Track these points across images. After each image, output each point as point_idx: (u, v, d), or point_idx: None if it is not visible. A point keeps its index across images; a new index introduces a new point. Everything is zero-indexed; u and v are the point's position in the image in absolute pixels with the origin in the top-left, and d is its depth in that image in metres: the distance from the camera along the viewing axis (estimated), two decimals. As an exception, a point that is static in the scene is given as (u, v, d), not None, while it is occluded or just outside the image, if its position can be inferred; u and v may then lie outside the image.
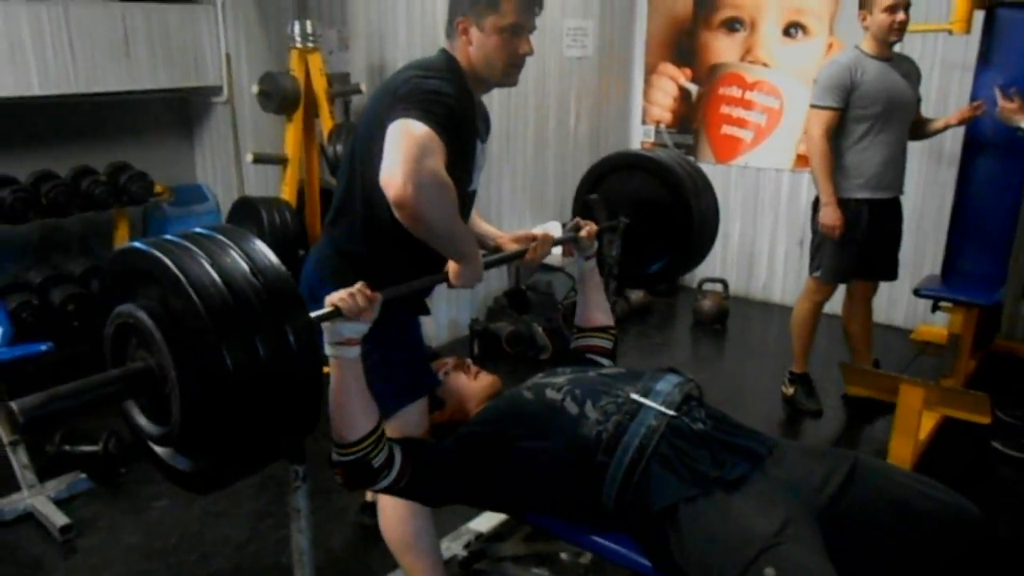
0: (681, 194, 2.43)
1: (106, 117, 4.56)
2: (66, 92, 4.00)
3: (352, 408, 1.55)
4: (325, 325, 1.51)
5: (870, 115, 3.21)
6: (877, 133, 3.24)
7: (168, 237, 1.34)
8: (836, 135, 3.26)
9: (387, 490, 1.66)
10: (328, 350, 1.52)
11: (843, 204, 3.28)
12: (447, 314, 4.42)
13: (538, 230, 4.78)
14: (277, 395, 1.29)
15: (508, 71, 1.92)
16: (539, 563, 2.16)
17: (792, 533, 1.44)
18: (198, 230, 1.39)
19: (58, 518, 2.63)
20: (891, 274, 3.56)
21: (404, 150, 1.60)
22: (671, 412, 1.64)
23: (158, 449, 1.43)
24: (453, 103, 1.73)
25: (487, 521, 2.39)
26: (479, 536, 2.34)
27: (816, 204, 3.41)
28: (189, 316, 1.23)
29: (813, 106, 3.28)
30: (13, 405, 1.15)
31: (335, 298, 1.49)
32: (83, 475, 2.90)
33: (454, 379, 2.04)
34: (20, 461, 2.80)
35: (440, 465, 1.72)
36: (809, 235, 3.53)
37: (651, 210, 2.46)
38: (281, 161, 3.81)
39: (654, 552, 1.62)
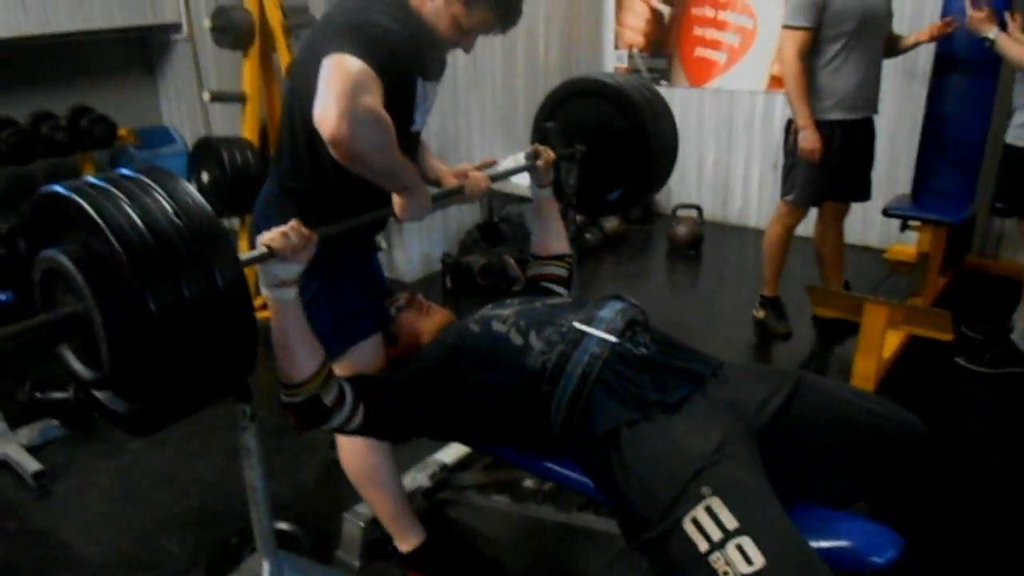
0: (637, 120, 2.39)
1: (63, 59, 4.46)
2: (17, 34, 3.90)
3: (295, 349, 1.55)
4: (260, 268, 1.49)
5: (843, 33, 3.13)
6: (850, 52, 3.17)
7: (89, 179, 1.32)
8: (809, 55, 3.19)
9: (342, 429, 1.66)
10: (264, 292, 1.51)
11: (817, 126, 3.22)
12: (419, 248, 4.40)
13: (508, 161, 4.73)
14: (206, 337, 1.28)
15: (439, 47, 1.88)
16: (500, 491, 2.19)
17: (729, 452, 1.45)
18: (122, 171, 1.36)
19: (31, 464, 2.66)
20: (864, 195, 3.54)
21: (338, 86, 1.54)
22: (613, 339, 1.64)
23: (97, 393, 1.44)
24: (392, 39, 1.67)
25: (452, 452, 2.43)
26: (443, 467, 2.38)
27: (789, 126, 3.37)
28: (109, 259, 1.22)
29: (785, 26, 3.20)
30: None
31: (266, 238, 1.47)
32: (55, 421, 2.92)
33: (406, 316, 2.03)
34: (-10, 410, 2.82)
35: (393, 400, 1.73)
36: (782, 158, 3.49)
37: (609, 137, 2.43)
38: (240, 99, 3.73)
39: (599, 478, 1.63)
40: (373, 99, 1.57)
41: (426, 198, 1.82)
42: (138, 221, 1.23)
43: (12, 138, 3.88)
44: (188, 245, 1.26)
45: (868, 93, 3.29)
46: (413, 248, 4.35)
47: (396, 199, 1.79)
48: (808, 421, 1.59)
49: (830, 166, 3.28)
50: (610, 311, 1.72)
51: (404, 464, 2.29)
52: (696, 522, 1.38)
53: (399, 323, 2.02)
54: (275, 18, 3.55)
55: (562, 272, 2.17)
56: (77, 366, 1.40)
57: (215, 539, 2.34)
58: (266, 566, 1.80)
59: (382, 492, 2.09)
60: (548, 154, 2.16)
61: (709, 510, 1.37)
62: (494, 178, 2.08)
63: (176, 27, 4.53)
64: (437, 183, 2.09)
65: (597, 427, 1.58)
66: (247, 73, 3.70)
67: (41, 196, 1.35)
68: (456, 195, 2.00)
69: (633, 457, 1.52)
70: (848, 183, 3.43)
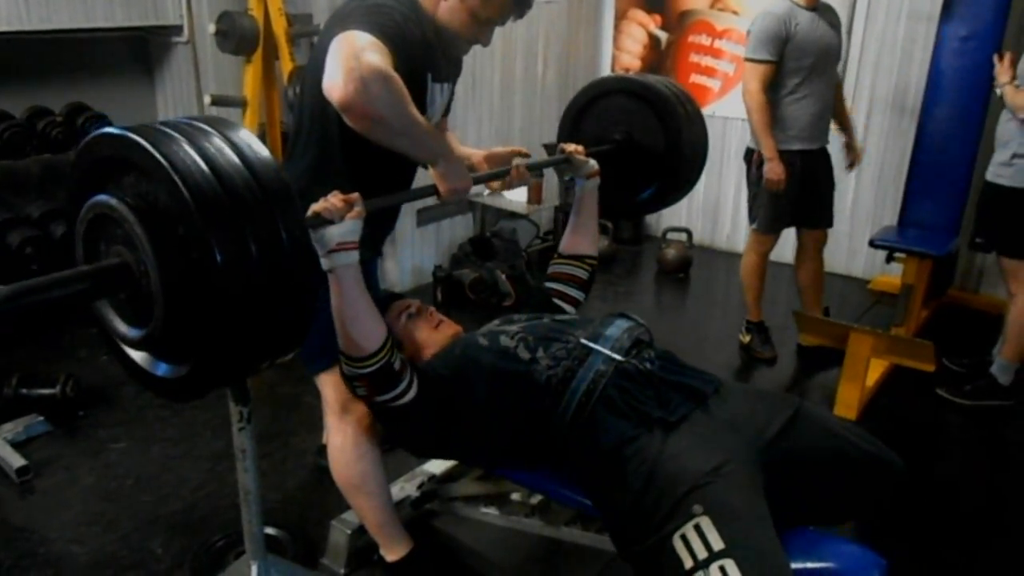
0: (670, 118, 2.31)
1: (62, 56, 4.44)
2: (18, 29, 3.89)
3: (365, 317, 1.57)
4: (315, 236, 1.45)
5: (803, 67, 3.23)
6: (809, 85, 3.26)
7: (148, 124, 1.20)
8: (770, 88, 3.27)
9: (397, 399, 1.64)
10: (324, 263, 1.49)
11: (780, 156, 3.29)
12: (411, 260, 4.42)
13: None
14: (268, 297, 1.17)
15: (457, 45, 1.89)
16: (488, 503, 2.20)
17: (727, 472, 1.47)
18: (179, 118, 1.24)
19: (15, 460, 2.64)
20: (825, 221, 3.60)
21: (343, 53, 1.51)
22: (619, 356, 1.66)
23: (134, 354, 1.33)
24: (399, 20, 1.68)
25: (441, 463, 2.43)
26: (432, 477, 2.39)
27: (750, 156, 3.45)
28: (174, 207, 1.11)
29: (748, 59, 3.28)
30: None
31: (315, 207, 1.46)
32: (40, 418, 2.90)
33: (415, 324, 1.96)
34: (-24, 404, 2.80)
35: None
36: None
37: (640, 135, 2.37)
38: (241, 103, 3.75)
39: (597, 491, 1.65)
40: (380, 58, 1.54)
41: (463, 169, 1.77)
42: (205, 168, 1.12)
43: (7, 133, 3.87)
44: (256, 197, 1.15)
45: (823, 125, 3.40)
46: (405, 259, 4.37)
47: (434, 174, 1.73)
48: (804, 450, 1.62)
49: (791, 194, 3.37)
50: (616, 329, 1.74)
51: (392, 473, 2.30)
52: (684, 539, 1.40)
53: (406, 330, 1.96)
54: (280, 25, 3.57)
55: (582, 275, 2.13)
56: (117, 323, 1.29)
57: (200, 541, 2.33)
58: (254, 569, 1.81)
59: (370, 500, 2.09)
60: (578, 147, 2.10)
61: (698, 528, 1.40)
62: (531, 168, 2.01)
63: (177, 29, 4.52)
64: (471, 168, 2.03)
65: (599, 442, 1.60)
66: (249, 78, 3.72)
67: (96, 138, 1.23)
68: (498, 179, 1.95)
69: (631, 471, 1.54)
70: (809, 210, 3.51)
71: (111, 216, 1.18)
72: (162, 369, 1.30)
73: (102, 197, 1.19)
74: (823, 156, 3.46)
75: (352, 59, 1.50)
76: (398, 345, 1.92)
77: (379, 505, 2.10)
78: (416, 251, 4.44)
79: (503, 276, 4.15)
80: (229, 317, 1.15)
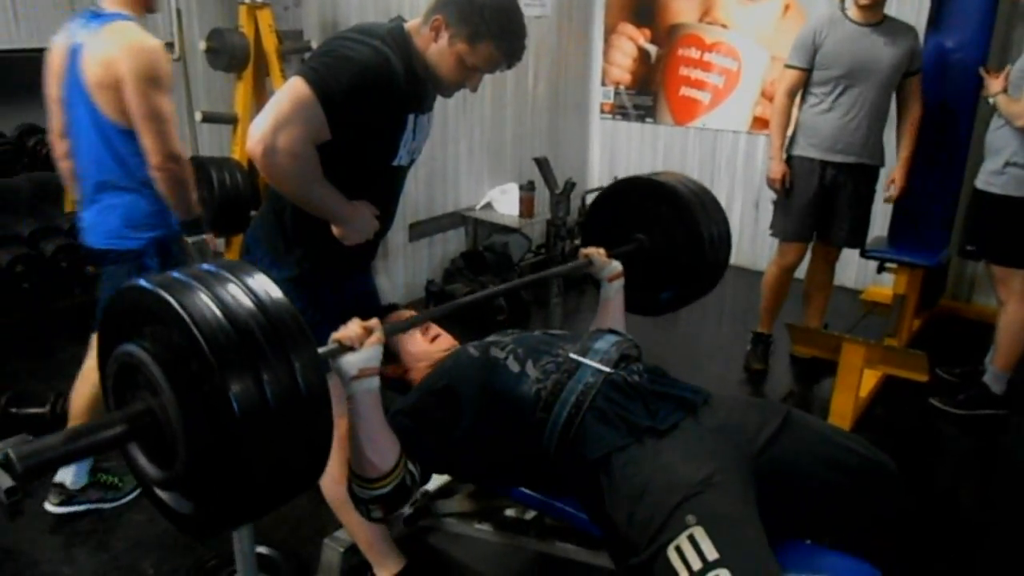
0: (688, 213, 2.27)
1: (52, 74, 4.44)
2: (8, 47, 3.89)
3: (381, 440, 1.54)
4: (335, 365, 1.46)
5: (831, 77, 3.26)
6: (838, 96, 3.28)
7: (172, 273, 1.27)
8: (803, 95, 3.38)
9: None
10: (347, 390, 1.49)
11: (795, 160, 3.39)
12: (403, 275, 4.42)
13: (495, 192, 4.76)
14: (286, 437, 1.22)
15: (446, 88, 1.92)
16: (481, 519, 2.19)
17: (719, 481, 1.46)
18: (203, 266, 1.32)
19: (3, 480, 2.62)
20: (851, 240, 3.55)
21: (276, 110, 1.67)
22: (607, 369, 1.66)
23: (161, 493, 1.35)
24: (365, 72, 1.72)
25: (433, 480, 2.42)
26: (425, 493, 2.37)
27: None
28: (191, 354, 1.17)
29: (785, 65, 3.40)
30: (11, 454, 1.08)
31: (335, 335, 1.48)
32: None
33: (411, 337, 1.96)
34: (-36, 424, 2.78)
35: (410, 440, 1.69)
36: (765, 197, 3.60)
37: (663, 237, 2.32)
38: (231, 120, 3.75)
39: (590, 504, 1.65)
40: (296, 135, 1.68)
41: (360, 218, 1.90)
42: (219, 314, 1.18)
43: (-3, 151, 3.85)
44: (271, 340, 1.20)
45: (857, 139, 3.32)
46: (398, 274, 4.37)
47: (335, 229, 1.88)
48: (795, 456, 1.62)
49: (803, 201, 3.40)
50: (605, 343, 1.75)
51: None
52: (679, 550, 1.39)
53: (402, 342, 1.96)
54: (270, 42, 3.58)
55: None
56: (145, 464, 1.32)
57: (191, 561, 2.31)
58: (246, 589, 1.79)
59: (360, 518, 2.07)
60: (600, 249, 2.11)
61: (692, 539, 1.39)
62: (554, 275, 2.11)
63: (168, 47, 4.53)
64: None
65: (589, 453, 1.59)
66: (240, 95, 3.72)
67: (122, 291, 1.29)
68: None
69: (623, 482, 1.53)
70: (831, 224, 3.48)
71: (134, 363, 1.24)
72: (185, 507, 1.32)
73: (128, 346, 1.25)
74: (858, 172, 3.40)
75: (272, 129, 1.66)
76: (394, 358, 1.95)
77: (370, 522, 2.08)
78: (409, 266, 4.43)
79: (496, 290, 4.14)
80: (248, 459, 1.18)
